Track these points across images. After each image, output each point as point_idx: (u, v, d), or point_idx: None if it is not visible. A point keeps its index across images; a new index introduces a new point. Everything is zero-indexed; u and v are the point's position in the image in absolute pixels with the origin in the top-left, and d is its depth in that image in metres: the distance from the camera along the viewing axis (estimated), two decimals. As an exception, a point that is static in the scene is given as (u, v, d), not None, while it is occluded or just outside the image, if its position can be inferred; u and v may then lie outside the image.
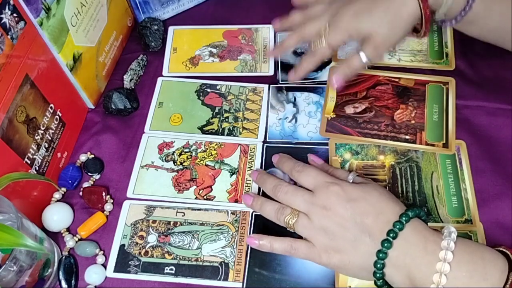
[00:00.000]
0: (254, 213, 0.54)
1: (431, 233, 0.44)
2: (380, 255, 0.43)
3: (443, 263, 0.41)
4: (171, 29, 0.70)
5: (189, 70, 0.66)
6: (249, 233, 0.53)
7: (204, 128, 0.61)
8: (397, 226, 0.43)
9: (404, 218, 0.43)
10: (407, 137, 0.58)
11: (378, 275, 0.44)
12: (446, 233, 0.43)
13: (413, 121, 0.59)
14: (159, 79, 0.66)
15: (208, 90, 0.64)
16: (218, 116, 0.62)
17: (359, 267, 0.45)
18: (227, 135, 0.60)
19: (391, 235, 0.43)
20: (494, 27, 0.57)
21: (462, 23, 0.57)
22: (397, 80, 0.63)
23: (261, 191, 0.55)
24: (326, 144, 0.58)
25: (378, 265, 0.43)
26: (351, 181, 0.49)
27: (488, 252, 0.42)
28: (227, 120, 0.61)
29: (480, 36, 0.59)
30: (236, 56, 0.67)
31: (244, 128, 0.61)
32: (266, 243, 0.49)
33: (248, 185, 0.56)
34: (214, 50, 0.67)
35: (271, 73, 0.65)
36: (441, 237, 0.43)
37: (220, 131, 0.61)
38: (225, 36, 0.69)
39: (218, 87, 0.64)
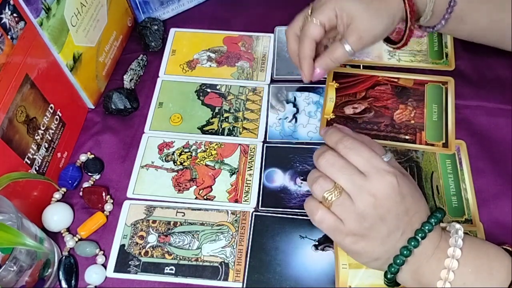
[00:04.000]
0: (254, 213, 0.54)
1: (444, 231, 0.44)
2: (405, 252, 0.42)
3: (452, 260, 0.41)
4: (172, 31, 0.70)
5: (185, 73, 0.66)
6: (249, 234, 0.53)
7: (204, 128, 0.61)
8: (427, 227, 0.42)
9: (433, 220, 0.43)
10: (407, 137, 0.58)
11: (393, 269, 0.43)
12: (453, 231, 0.43)
13: (412, 121, 0.59)
14: (159, 79, 0.66)
15: (208, 90, 0.64)
16: (218, 116, 0.62)
17: (376, 257, 0.44)
18: (227, 135, 0.60)
19: (420, 235, 0.42)
20: (485, 25, 0.55)
21: (452, 23, 0.55)
22: (396, 80, 0.63)
23: (261, 191, 0.55)
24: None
25: (399, 261, 0.42)
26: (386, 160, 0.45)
27: (494, 249, 0.42)
28: (227, 120, 0.61)
29: (473, 36, 0.58)
30: (234, 63, 0.66)
31: (244, 128, 0.61)
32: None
33: (248, 185, 0.56)
34: (212, 55, 0.67)
35: (267, 82, 0.64)
36: (449, 235, 0.43)
37: (220, 131, 0.61)
38: (225, 41, 0.69)
39: (218, 87, 0.64)
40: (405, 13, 0.53)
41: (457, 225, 0.43)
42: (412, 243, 0.42)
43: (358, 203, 0.42)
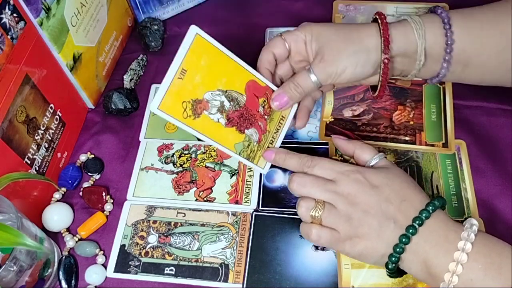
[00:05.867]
0: (254, 213, 0.54)
1: (453, 223, 0.44)
2: (403, 239, 0.43)
3: (461, 253, 0.41)
4: (193, 32, 0.47)
5: (184, 120, 0.47)
6: (250, 235, 0.53)
7: None
8: (424, 214, 0.43)
9: (430, 207, 0.44)
10: (407, 138, 0.58)
11: (394, 258, 0.44)
12: (467, 225, 0.43)
13: (411, 122, 0.59)
14: (153, 87, 0.65)
15: None
16: None
17: (381, 254, 0.45)
18: None
19: (417, 222, 0.43)
20: (494, 67, 0.52)
21: (456, 67, 0.52)
22: (393, 81, 0.63)
23: (261, 190, 0.55)
24: (326, 144, 0.58)
25: (398, 249, 0.43)
26: (371, 164, 0.48)
27: (507, 249, 0.42)
28: None
29: (486, 81, 0.55)
30: (244, 128, 0.51)
31: None
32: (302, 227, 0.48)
33: (249, 186, 0.56)
34: (227, 105, 0.49)
35: (265, 171, 0.54)
36: (462, 228, 0.43)
37: None
38: (248, 88, 0.51)
39: None
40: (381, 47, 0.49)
41: (474, 221, 0.43)
42: (410, 231, 0.43)
43: (339, 206, 0.46)
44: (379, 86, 0.53)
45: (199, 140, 0.57)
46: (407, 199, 0.45)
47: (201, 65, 0.47)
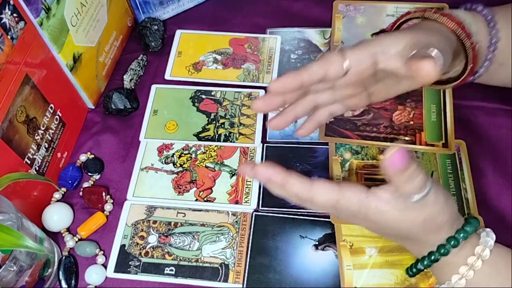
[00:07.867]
0: (254, 213, 0.54)
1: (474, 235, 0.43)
2: (432, 257, 0.42)
3: (477, 260, 0.41)
4: (178, 32, 0.69)
5: (191, 76, 0.65)
6: (250, 235, 0.53)
7: (200, 135, 0.60)
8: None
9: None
10: (407, 138, 0.58)
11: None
12: (484, 234, 0.43)
13: (411, 122, 0.59)
14: (153, 87, 0.65)
15: (203, 96, 0.64)
16: (214, 122, 0.61)
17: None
18: (224, 141, 0.60)
19: (452, 243, 0.41)
20: None
21: (492, 66, 0.50)
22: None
23: (261, 190, 0.55)
24: (326, 144, 0.58)
25: (444, 250, 0.42)
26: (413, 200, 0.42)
27: None
28: (223, 126, 0.61)
29: (508, 81, 0.53)
30: (240, 65, 0.66)
31: (240, 134, 0.60)
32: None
33: (249, 186, 0.56)
34: (218, 57, 0.66)
35: None
36: (479, 239, 0.42)
37: (216, 137, 0.60)
38: (231, 43, 0.68)
39: (213, 93, 0.64)
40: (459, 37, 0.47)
41: (490, 232, 0.43)
42: (441, 251, 0.42)
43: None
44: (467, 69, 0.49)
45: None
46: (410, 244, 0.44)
47: (190, 45, 0.68)
